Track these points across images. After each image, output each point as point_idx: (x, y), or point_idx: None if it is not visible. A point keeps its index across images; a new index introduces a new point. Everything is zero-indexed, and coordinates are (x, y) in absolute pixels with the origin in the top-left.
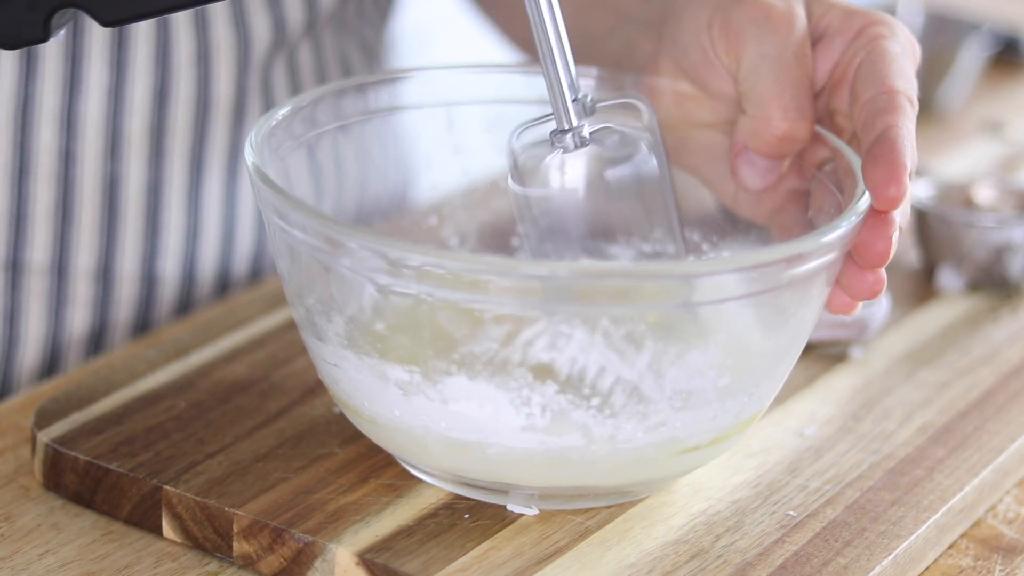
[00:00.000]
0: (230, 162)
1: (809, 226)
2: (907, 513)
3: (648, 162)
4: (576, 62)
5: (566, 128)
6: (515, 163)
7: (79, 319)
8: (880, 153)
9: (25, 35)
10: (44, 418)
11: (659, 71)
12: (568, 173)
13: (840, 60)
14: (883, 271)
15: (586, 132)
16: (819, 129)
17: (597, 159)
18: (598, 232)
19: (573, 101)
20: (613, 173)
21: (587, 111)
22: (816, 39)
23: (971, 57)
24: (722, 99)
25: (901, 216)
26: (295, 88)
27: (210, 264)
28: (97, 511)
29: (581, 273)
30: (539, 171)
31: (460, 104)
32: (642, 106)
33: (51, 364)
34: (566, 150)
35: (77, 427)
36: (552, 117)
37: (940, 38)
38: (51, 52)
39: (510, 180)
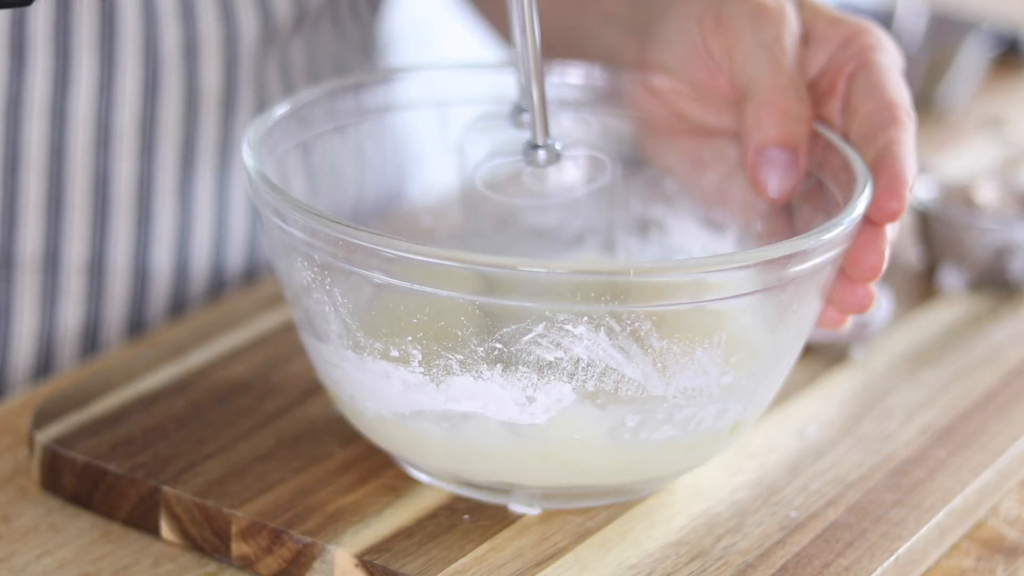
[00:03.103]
0: (221, 156)
1: (795, 229)
2: (909, 514)
3: (611, 181)
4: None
5: (540, 144)
6: (478, 169)
7: (72, 314)
8: (883, 167)
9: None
10: (42, 418)
11: (644, 73)
12: (534, 185)
13: (828, 68)
14: (873, 285)
15: (558, 148)
16: (817, 126)
17: (563, 174)
18: (551, 239)
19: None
20: (578, 189)
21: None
22: (801, 43)
23: (972, 56)
24: (708, 98)
25: (893, 231)
26: (288, 85)
27: (203, 258)
28: (95, 512)
29: (584, 271)
30: (507, 180)
31: (455, 104)
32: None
33: (46, 361)
34: (537, 164)
35: (75, 428)
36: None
37: (941, 37)
38: (40, 45)
39: (473, 180)
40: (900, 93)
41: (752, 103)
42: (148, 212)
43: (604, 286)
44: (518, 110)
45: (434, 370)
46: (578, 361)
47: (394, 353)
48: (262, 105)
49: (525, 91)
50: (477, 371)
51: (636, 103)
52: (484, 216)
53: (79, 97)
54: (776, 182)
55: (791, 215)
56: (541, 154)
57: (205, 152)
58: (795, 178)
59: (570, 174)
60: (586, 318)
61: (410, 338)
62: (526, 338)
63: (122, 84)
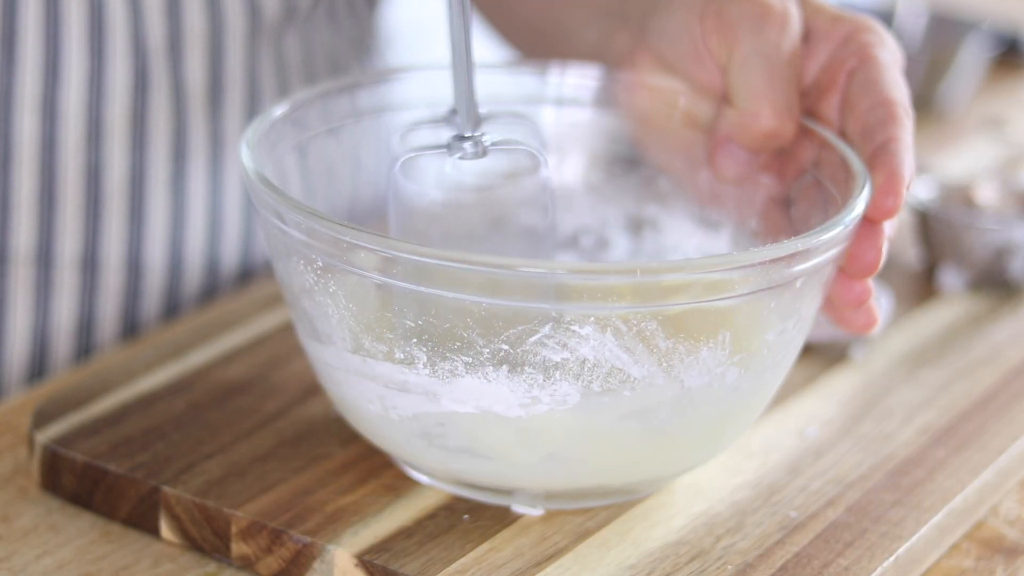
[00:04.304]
0: (212, 151)
1: (789, 227)
2: (908, 514)
3: (541, 180)
4: (551, 55)
5: (466, 136)
6: (404, 161)
7: (65, 309)
8: (880, 164)
9: None
10: (42, 418)
11: (636, 66)
12: (459, 179)
13: (828, 65)
14: (870, 281)
15: (487, 142)
16: (813, 125)
17: (489, 169)
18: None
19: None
20: (507, 186)
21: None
22: (802, 40)
23: (972, 56)
24: (706, 93)
25: (890, 227)
26: (283, 80)
27: (197, 253)
28: (95, 512)
29: (589, 272)
30: (431, 173)
31: (451, 104)
32: (530, 123)
33: (40, 356)
34: (464, 157)
35: (75, 428)
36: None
37: (941, 37)
38: (30, 39)
39: (396, 176)
40: (899, 90)
41: (736, 110)
42: (141, 206)
43: (611, 287)
44: (453, 112)
45: (440, 372)
46: (584, 362)
47: (399, 355)
48: (254, 100)
49: (456, 85)
50: (483, 372)
51: (631, 101)
52: (414, 213)
53: (70, 91)
54: (733, 169)
55: (786, 212)
56: (468, 146)
57: (196, 146)
58: (753, 166)
59: (498, 167)
60: (593, 319)
61: (415, 340)
62: (532, 339)
63: (112, 78)
